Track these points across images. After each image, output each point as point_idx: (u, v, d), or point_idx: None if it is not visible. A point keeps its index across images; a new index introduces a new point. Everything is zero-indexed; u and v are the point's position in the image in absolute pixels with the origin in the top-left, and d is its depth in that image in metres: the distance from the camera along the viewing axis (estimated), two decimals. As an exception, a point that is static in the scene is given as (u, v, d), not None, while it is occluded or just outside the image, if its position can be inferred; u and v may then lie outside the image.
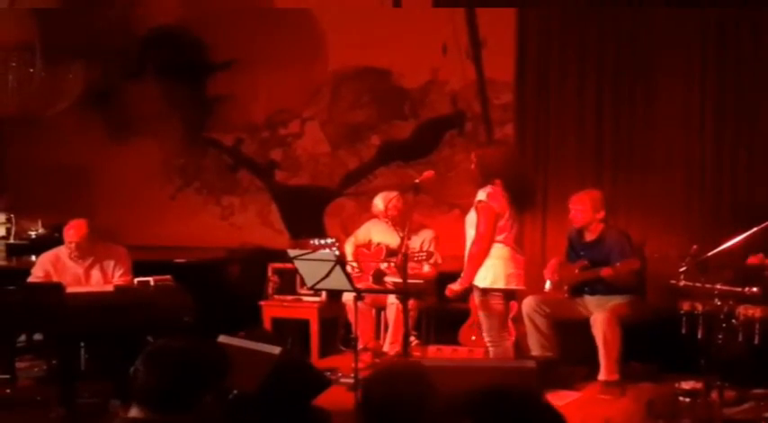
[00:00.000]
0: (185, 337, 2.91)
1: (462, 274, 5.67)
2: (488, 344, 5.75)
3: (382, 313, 7.09)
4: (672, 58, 7.21)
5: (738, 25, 7.02)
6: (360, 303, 5.89)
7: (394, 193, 6.97)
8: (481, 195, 5.60)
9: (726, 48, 7.05)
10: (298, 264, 5.35)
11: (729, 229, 6.03)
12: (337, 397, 5.19)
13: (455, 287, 5.69)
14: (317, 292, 7.10)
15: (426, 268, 6.79)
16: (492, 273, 5.57)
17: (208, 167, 8.81)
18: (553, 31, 7.52)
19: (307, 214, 8.43)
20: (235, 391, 4.14)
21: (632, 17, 7.29)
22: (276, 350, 4.47)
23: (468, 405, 1.72)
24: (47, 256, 6.42)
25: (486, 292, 5.59)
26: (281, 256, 7.39)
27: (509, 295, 5.81)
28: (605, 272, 6.12)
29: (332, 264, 5.16)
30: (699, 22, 7.08)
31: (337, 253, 6.07)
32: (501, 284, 5.59)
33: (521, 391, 1.75)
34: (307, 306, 7.22)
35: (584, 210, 6.43)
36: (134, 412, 2.70)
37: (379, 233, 7.10)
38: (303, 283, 7.12)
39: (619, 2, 7.30)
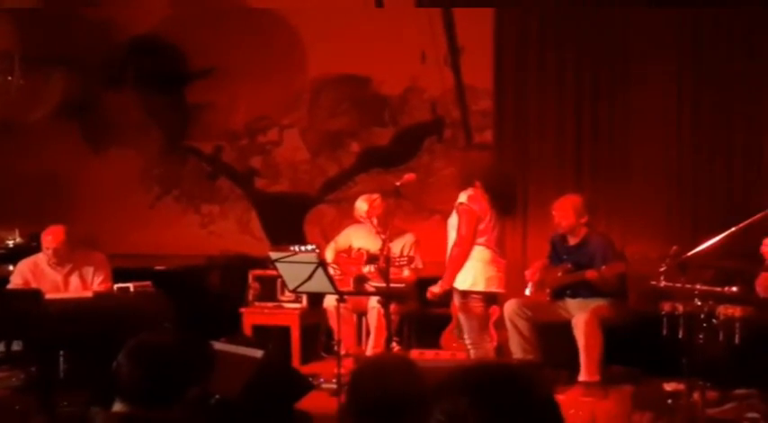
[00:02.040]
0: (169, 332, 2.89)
1: (443, 277, 5.67)
2: (469, 346, 5.74)
3: (363, 319, 7.06)
4: (649, 61, 7.27)
5: (715, 25, 7.11)
6: (341, 308, 5.88)
7: (376, 195, 6.97)
8: (462, 197, 5.61)
9: (702, 48, 7.14)
10: (279, 266, 5.32)
11: (708, 231, 6.04)
12: (319, 402, 5.18)
13: (435, 289, 5.70)
14: (297, 299, 7.09)
15: (406, 273, 6.77)
16: (472, 275, 5.58)
17: (187, 176, 8.75)
18: (531, 37, 7.56)
19: (287, 221, 8.40)
20: (217, 396, 4.11)
21: (609, 21, 7.34)
22: (258, 354, 4.45)
23: (465, 382, 1.67)
24: (25, 264, 6.37)
25: (465, 294, 5.60)
26: (262, 263, 7.40)
27: (489, 299, 5.81)
28: (590, 274, 6.11)
29: (314, 266, 5.14)
30: (675, 22, 7.16)
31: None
32: (481, 287, 5.60)
33: (522, 372, 1.70)
34: (287, 313, 7.17)
35: (566, 216, 6.40)
36: (117, 407, 2.69)
37: (359, 238, 7.07)
38: (284, 289, 7.10)
39: (598, 2, 7.35)
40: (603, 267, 6.05)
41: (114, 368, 2.71)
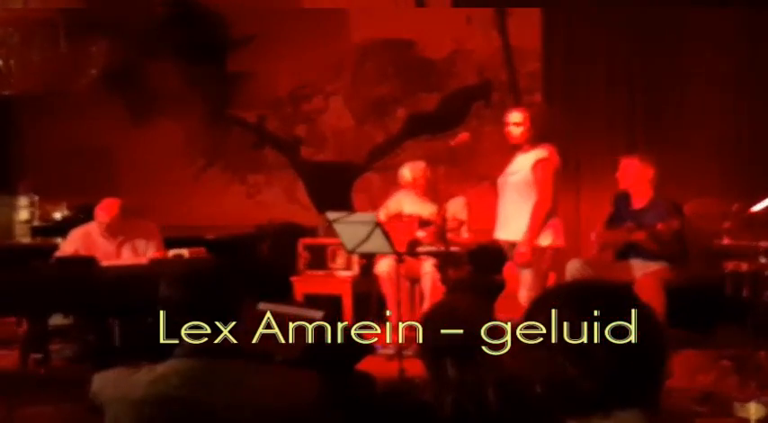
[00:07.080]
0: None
1: (527, 234, 5.50)
2: (526, 304, 5.62)
3: (416, 287, 6.97)
4: (703, 22, 7.15)
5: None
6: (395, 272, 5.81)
7: (422, 163, 6.89)
8: (542, 153, 5.49)
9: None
10: (337, 227, 5.28)
11: (766, 187, 5.94)
12: (377, 365, 5.12)
13: (523, 249, 5.54)
14: (348, 267, 7.04)
15: (465, 235, 6.68)
16: (551, 231, 5.50)
17: (232, 146, 8.67)
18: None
19: (334, 190, 8.34)
20: (278, 357, 4.07)
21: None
22: (318, 315, 4.39)
23: (565, 293, 1.65)
24: (77, 233, 6.30)
25: (543, 250, 5.50)
26: (311, 231, 7.36)
27: (556, 256, 5.72)
28: (638, 235, 5.93)
29: (371, 226, 5.09)
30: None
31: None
32: (560, 242, 5.54)
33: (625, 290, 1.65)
34: (339, 280, 7.10)
35: (633, 164, 6.19)
36: None
37: (410, 204, 6.97)
38: (335, 257, 7.07)
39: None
40: (659, 225, 5.86)
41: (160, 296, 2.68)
